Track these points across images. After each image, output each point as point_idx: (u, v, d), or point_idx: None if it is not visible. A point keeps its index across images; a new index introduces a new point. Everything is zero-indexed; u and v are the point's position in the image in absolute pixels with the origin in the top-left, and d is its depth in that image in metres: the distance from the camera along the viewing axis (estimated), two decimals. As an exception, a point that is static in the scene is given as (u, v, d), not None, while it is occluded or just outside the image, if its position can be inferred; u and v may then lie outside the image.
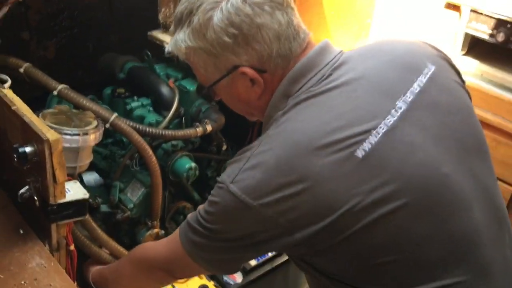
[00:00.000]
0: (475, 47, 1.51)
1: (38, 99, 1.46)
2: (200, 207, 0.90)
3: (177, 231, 0.96)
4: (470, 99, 0.96)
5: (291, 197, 0.78)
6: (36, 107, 1.18)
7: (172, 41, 0.92)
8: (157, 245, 1.06)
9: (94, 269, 1.25)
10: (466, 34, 1.44)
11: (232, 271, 0.98)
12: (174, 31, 0.92)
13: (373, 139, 0.79)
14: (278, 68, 0.88)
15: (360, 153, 0.78)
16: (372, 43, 0.96)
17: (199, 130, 1.46)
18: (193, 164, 1.47)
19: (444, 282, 0.82)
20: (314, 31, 0.92)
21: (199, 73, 0.95)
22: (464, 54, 1.50)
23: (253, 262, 1.46)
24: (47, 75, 1.34)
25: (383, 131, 0.80)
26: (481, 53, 1.51)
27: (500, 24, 1.35)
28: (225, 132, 1.66)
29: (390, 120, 0.81)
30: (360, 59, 0.89)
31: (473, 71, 1.47)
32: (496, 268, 0.88)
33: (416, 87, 0.85)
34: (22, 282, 0.98)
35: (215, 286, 1.39)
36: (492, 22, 1.37)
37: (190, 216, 0.93)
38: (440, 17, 1.49)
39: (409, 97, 0.84)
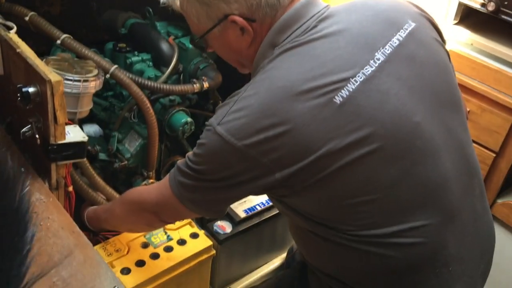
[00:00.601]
0: (467, 17, 1.54)
1: (43, 54, 1.51)
2: (189, 152, 0.95)
3: (167, 175, 1.01)
4: (450, 60, 1.00)
5: (273, 138, 0.82)
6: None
7: None
8: (148, 188, 1.10)
9: (90, 209, 1.31)
10: (459, 3, 1.48)
11: (217, 214, 1.02)
12: None
13: (351, 87, 0.84)
14: (266, 17, 0.92)
15: (338, 99, 0.83)
16: (357, 1, 0.99)
17: (196, 86, 1.51)
18: (189, 119, 1.53)
19: (412, 224, 0.88)
20: None
21: (192, 23, 0.98)
22: (456, 24, 1.53)
23: (242, 214, 1.52)
24: (51, 25, 1.38)
25: (361, 79, 0.85)
26: (473, 23, 1.54)
27: (492, -7, 1.39)
28: (222, 91, 1.71)
29: (368, 70, 0.86)
30: (345, 13, 0.93)
31: (464, 40, 1.51)
32: (465, 215, 0.94)
33: (395, 41, 0.90)
34: (23, 214, 1.05)
35: (205, 234, 1.45)
36: (484, -8, 1.41)
37: (180, 161, 0.98)
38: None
39: (388, 50, 0.88)
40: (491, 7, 1.38)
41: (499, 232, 1.55)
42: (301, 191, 0.87)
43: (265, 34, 0.93)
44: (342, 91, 0.83)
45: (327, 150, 0.82)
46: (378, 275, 0.93)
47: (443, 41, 1.01)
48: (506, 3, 1.36)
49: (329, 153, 0.83)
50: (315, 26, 0.90)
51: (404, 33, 0.91)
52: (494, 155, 1.47)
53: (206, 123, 0.91)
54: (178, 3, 0.97)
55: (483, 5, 1.41)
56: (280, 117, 0.82)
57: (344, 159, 0.83)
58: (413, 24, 0.93)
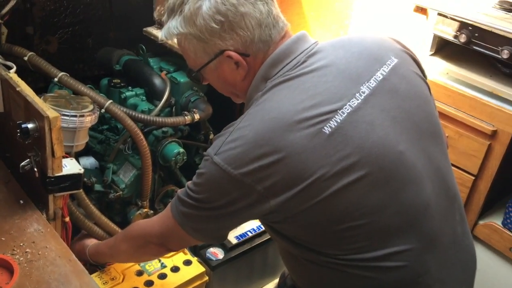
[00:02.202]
0: (443, 48, 1.62)
1: (40, 90, 1.57)
2: (188, 182, 1.00)
3: (169, 206, 1.04)
4: (430, 92, 1.06)
5: (266, 166, 0.86)
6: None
7: (165, 28, 1.01)
8: (150, 221, 1.13)
9: (91, 246, 1.34)
10: (434, 36, 1.56)
11: (219, 239, 1.05)
12: (167, 19, 1.01)
13: (339, 118, 0.89)
14: (259, 52, 0.97)
15: (327, 129, 0.88)
16: (344, 36, 1.06)
17: (188, 118, 1.58)
18: (181, 150, 1.59)
19: (397, 248, 0.92)
20: (295, 30, 1.02)
21: (189, 58, 1.03)
22: (432, 55, 1.61)
23: (234, 241, 1.57)
24: (48, 64, 1.46)
25: (348, 111, 0.90)
26: (448, 54, 1.62)
27: (463, 26, 1.46)
28: (212, 122, 1.78)
29: (355, 102, 0.91)
30: (332, 49, 0.99)
31: (440, 70, 1.58)
32: (446, 239, 0.98)
33: (379, 75, 0.95)
34: (21, 244, 1.09)
35: (198, 261, 1.49)
36: (455, 25, 1.48)
37: (180, 191, 1.02)
38: (410, 20, 1.60)
39: (372, 84, 0.94)
40: (462, 38, 1.46)
41: (482, 252, 1.60)
42: (293, 217, 0.91)
43: (258, 68, 0.98)
44: (331, 121, 0.88)
45: (317, 177, 0.86)
46: None
47: (424, 75, 1.07)
48: (476, 34, 1.45)
49: (320, 180, 0.86)
50: (304, 61, 0.96)
51: (387, 68, 0.97)
52: (473, 178, 1.53)
53: (204, 153, 0.95)
54: (175, 40, 1.01)
55: (455, 37, 1.49)
56: (273, 146, 0.86)
57: (334, 186, 0.87)
58: (395, 60, 0.99)
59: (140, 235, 1.15)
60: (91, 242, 1.39)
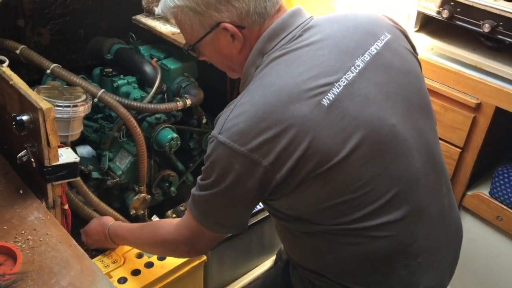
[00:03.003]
0: (427, 24, 1.64)
1: (34, 82, 1.60)
2: (199, 177, 1.01)
3: (188, 208, 1.06)
4: (421, 68, 1.09)
5: (271, 139, 0.88)
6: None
7: (162, 2, 1.02)
8: (177, 227, 1.12)
9: (112, 224, 1.37)
10: (418, 12, 1.58)
11: (241, 227, 1.04)
12: None
13: (336, 90, 0.91)
14: (255, 24, 0.98)
15: (325, 101, 0.90)
16: (338, 13, 1.09)
17: (180, 104, 1.61)
18: (174, 135, 1.62)
19: (387, 219, 0.96)
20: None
21: (185, 32, 1.04)
22: (417, 31, 1.63)
23: (230, 221, 1.61)
24: (40, 56, 1.48)
25: (344, 84, 0.92)
26: (432, 30, 1.64)
27: (445, 2, 1.49)
28: (205, 106, 1.81)
29: (350, 75, 0.93)
30: (328, 23, 1.01)
31: (425, 46, 1.61)
32: (433, 211, 1.02)
33: (373, 50, 0.97)
34: (23, 232, 1.13)
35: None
36: (438, 0, 1.51)
37: (192, 189, 1.03)
38: (395, -2, 1.63)
39: (367, 58, 0.96)
40: (445, 14, 1.48)
41: (470, 222, 1.65)
42: (294, 191, 0.93)
43: (254, 41, 0.99)
44: (329, 94, 0.90)
45: (318, 148, 0.89)
46: (356, 267, 1.01)
47: (415, 51, 1.09)
48: (458, 9, 1.47)
49: (320, 151, 0.89)
50: (300, 35, 0.97)
51: (381, 43, 0.99)
52: (459, 150, 1.57)
53: (209, 137, 0.97)
54: (171, 14, 1.02)
55: (438, 12, 1.51)
56: (275, 119, 0.88)
57: (334, 158, 0.90)
58: (388, 36, 1.01)
59: (168, 241, 1.15)
60: (109, 220, 1.40)
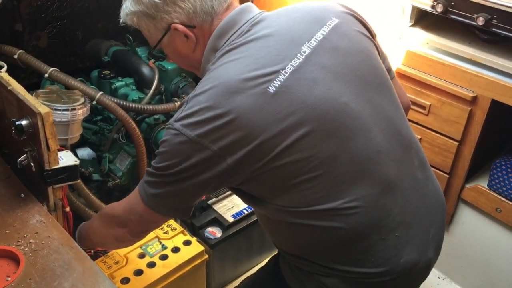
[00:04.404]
0: (422, 19, 1.65)
1: (34, 85, 1.61)
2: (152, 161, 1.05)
3: (137, 186, 1.07)
4: (378, 49, 1.11)
5: (220, 127, 0.92)
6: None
7: (122, 10, 1.09)
8: (121, 201, 1.15)
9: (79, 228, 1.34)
10: (412, 7, 1.59)
11: (184, 212, 1.06)
12: (123, 1, 1.09)
13: (282, 77, 0.94)
14: (204, 23, 1.04)
15: (271, 89, 0.93)
16: (287, 6, 1.11)
17: (178, 104, 1.62)
18: (173, 135, 1.63)
19: (354, 196, 0.98)
20: (269, 7, 1.07)
21: (147, 36, 1.10)
22: (412, 26, 1.64)
23: (230, 219, 1.63)
24: (38, 60, 1.49)
25: (290, 71, 0.95)
26: (427, 24, 1.65)
27: (439, -4, 1.50)
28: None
29: (296, 62, 0.96)
30: (276, 17, 1.04)
31: (420, 40, 1.61)
32: (405, 185, 1.03)
33: (319, 35, 1.01)
34: (25, 235, 1.13)
35: (197, 241, 1.55)
36: (432, -5, 1.52)
37: (145, 174, 1.05)
38: (389, -7, 1.64)
39: (313, 43, 0.99)
40: (439, 8, 1.49)
41: (470, 214, 1.66)
42: (252, 176, 0.96)
43: (207, 39, 1.05)
44: (275, 81, 0.94)
45: (267, 135, 0.92)
46: (332, 247, 1.02)
47: (372, 35, 1.12)
48: (452, 3, 1.47)
49: (270, 137, 0.92)
50: (249, 30, 1.02)
51: (327, 28, 1.02)
52: (457, 143, 1.58)
53: (166, 123, 1.01)
54: (130, 20, 1.08)
55: (432, 7, 1.52)
56: (224, 109, 0.92)
57: (285, 142, 0.93)
58: (336, 20, 1.04)
59: (108, 213, 1.18)
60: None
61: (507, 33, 1.41)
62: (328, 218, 0.99)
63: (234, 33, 1.03)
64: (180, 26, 1.03)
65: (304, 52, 0.98)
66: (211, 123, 0.92)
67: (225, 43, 1.03)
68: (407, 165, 1.06)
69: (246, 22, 1.03)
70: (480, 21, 1.42)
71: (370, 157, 0.99)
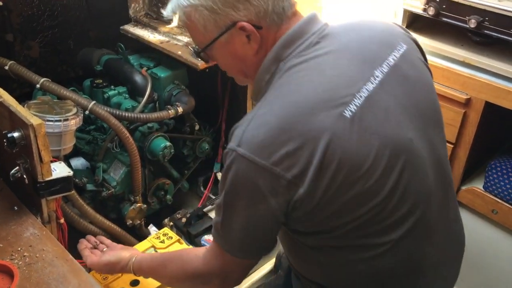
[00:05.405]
0: (414, 22, 1.64)
1: (26, 95, 1.61)
2: (217, 200, 0.96)
3: (212, 238, 1.00)
4: (432, 76, 1.07)
5: (293, 152, 0.83)
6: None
7: (173, 2, 0.95)
8: (202, 259, 1.04)
9: (136, 260, 1.22)
10: (404, 10, 1.59)
11: (269, 248, 0.98)
12: None
13: (357, 101, 0.88)
14: (273, 25, 0.94)
15: (347, 113, 0.86)
16: (352, 21, 1.05)
17: (171, 112, 1.62)
18: (167, 143, 1.63)
19: (400, 234, 0.94)
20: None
21: (197, 33, 0.98)
22: (404, 29, 1.64)
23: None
24: (29, 71, 1.48)
25: (365, 95, 0.89)
26: (419, 27, 1.64)
27: (430, -1, 1.51)
28: (197, 113, 1.81)
29: (370, 86, 0.90)
30: (343, 32, 0.98)
31: (413, 43, 1.62)
32: (441, 226, 1.01)
33: (391, 60, 0.95)
34: (19, 249, 1.12)
35: (193, 249, 1.53)
36: (423, -2, 1.53)
37: (214, 217, 0.98)
38: (380, -3, 1.64)
39: (385, 69, 0.94)
40: (431, 11, 1.49)
41: (466, 217, 1.66)
42: (317, 205, 0.88)
43: (270, 44, 0.95)
44: (350, 105, 0.87)
45: (341, 161, 0.85)
46: (362, 282, 0.99)
47: (426, 60, 1.07)
48: (444, 6, 1.47)
49: (344, 164, 0.85)
50: (317, 43, 0.94)
51: (398, 54, 0.97)
52: (452, 146, 1.57)
53: (225, 150, 0.90)
54: (183, 14, 0.96)
55: (424, 10, 1.52)
56: (298, 131, 0.84)
57: (357, 172, 0.87)
58: (404, 46, 0.99)
59: (200, 275, 1.06)
60: (131, 254, 1.25)
61: (499, 35, 1.42)
62: (369, 253, 0.95)
63: (301, 43, 0.94)
64: (247, 25, 0.92)
65: (377, 76, 0.92)
66: (284, 148, 0.84)
67: (291, 53, 0.94)
68: (445, 206, 1.04)
69: (313, 34, 0.95)
70: (472, 24, 1.42)
71: (422, 198, 0.96)
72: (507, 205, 1.55)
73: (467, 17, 1.44)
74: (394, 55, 0.96)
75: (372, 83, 0.91)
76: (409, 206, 0.93)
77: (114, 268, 1.26)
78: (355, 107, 0.87)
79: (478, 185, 1.62)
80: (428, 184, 0.96)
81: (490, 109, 1.49)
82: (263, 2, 0.91)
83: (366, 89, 0.90)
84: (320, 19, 0.99)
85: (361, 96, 0.89)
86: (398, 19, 1.62)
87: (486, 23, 1.42)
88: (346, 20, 1.06)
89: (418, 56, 1.03)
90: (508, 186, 1.54)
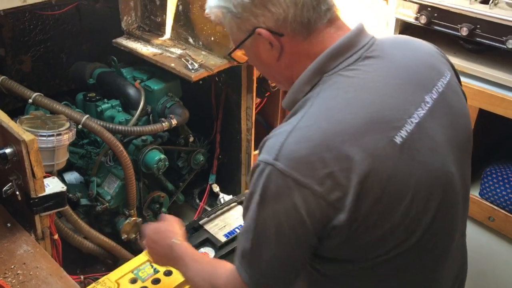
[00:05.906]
0: (406, 30, 1.65)
1: (19, 110, 1.60)
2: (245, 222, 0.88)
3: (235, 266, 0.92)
4: (466, 99, 1.03)
5: (338, 173, 0.78)
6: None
7: (208, 3, 0.95)
8: (225, 276, 0.96)
9: (184, 250, 1.10)
10: (396, 19, 1.59)
11: (289, 279, 0.91)
12: None
13: (408, 127, 0.83)
14: (296, 34, 0.89)
15: (398, 139, 0.82)
16: (398, 37, 1.02)
17: (165, 124, 1.61)
18: (162, 156, 1.62)
19: (418, 265, 0.92)
20: None
21: (230, 34, 0.97)
22: (396, 38, 1.65)
23: (223, 239, 1.60)
24: (22, 86, 1.48)
25: (416, 121, 0.85)
26: (411, 36, 1.65)
27: (422, 8, 1.50)
28: (191, 125, 1.81)
29: (421, 112, 0.86)
30: (390, 48, 0.93)
31: (406, 52, 1.62)
32: (453, 255, 1.00)
33: (439, 87, 0.92)
34: (13, 267, 1.12)
35: (190, 263, 1.52)
36: (415, 7, 1.52)
37: (238, 242, 0.92)
38: (372, 6, 1.64)
39: (435, 95, 0.90)
40: (423, 20, 1.50)
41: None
42: (353, 233, 0.83)
43: (295, 51, 0.91)
44: (401, 131, 0.83)
45: (386, 190, 0.81)
46: None
47: (460, 82, 1.03)
48: (436, 15, 1.48)
49: (389, 193, 0.81)
50: (366, 57, 0.89)
51: (445, 81, 0.94)
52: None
53: (256, 162, 0.84)
54: (213, 14, 0.96)
55: (416, 18, 1.52)
56: (344, 151, 0.79)
57: (400, 204, 0.83)
58: (449, 73, 0.96)
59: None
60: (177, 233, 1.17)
61: (491, 42, 1.42)
62: (385, 283, 0.93)
63: (349, 57, 0.88)
64: (265, 32, 0.88)
65: (428, 103, 0.88)
66: (328, 167, 0.78)
67: (337, 65, 0.88)
68: (461, 237, 1.03)
69: (362, 47, 0.89)
70: (464, 32, 1.43)
71: (451, 234, 0.95)
72: (504, 212, 1.55)
73: (458, 25, 1.45)
74: (442, 82, 0.93)
75: (423, 109, 0.87)
76: (440, 243, 0.92)
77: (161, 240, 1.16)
78: (406, 133, 0.83)
79: (474, 192, 1.62)
80: (457, 219, 0.95)
81: (484, 116, 1.50)
82: (282, 9, 0.87)
83: (418, 115, 0.86)
84: (367, 31, 0.94)
85: (412, 122, 0.84)
86: (390, 28, 1.62)
87: (478, 30, 1.43)
88: (391, 35, 1.03)
89: (457, 82, 1.01)
90: (504, 193, 1.53)
